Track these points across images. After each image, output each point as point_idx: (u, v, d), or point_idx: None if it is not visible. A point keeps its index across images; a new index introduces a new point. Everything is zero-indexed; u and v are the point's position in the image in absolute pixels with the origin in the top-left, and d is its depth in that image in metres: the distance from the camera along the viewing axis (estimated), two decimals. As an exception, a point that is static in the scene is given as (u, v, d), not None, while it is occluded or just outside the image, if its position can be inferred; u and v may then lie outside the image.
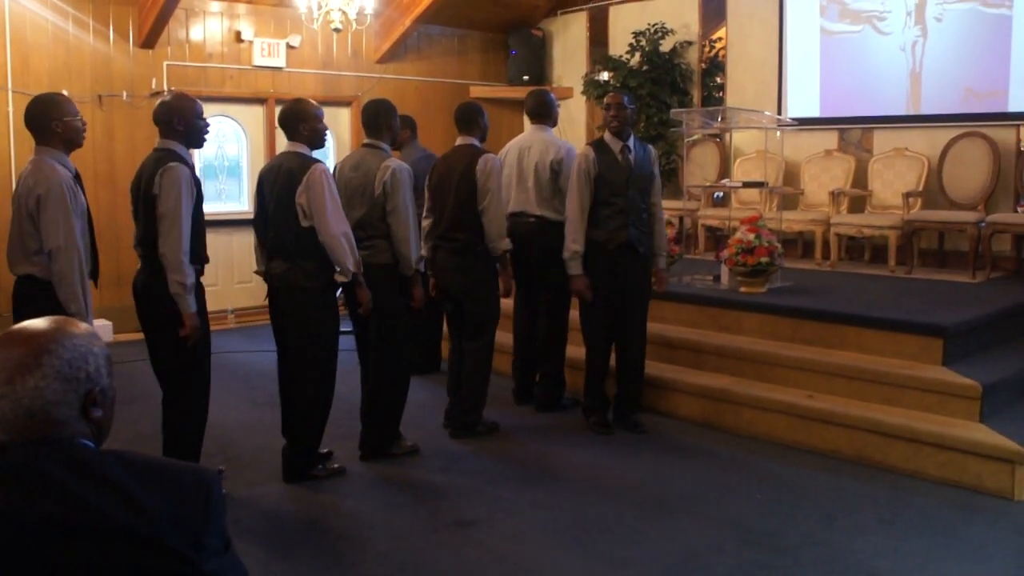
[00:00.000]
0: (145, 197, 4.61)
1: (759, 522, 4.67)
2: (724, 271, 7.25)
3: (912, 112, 9.01)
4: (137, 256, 4.82)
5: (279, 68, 10.27)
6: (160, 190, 4.53)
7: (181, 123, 4.69)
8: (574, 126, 11.89)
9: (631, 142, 5.95)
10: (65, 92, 6.03)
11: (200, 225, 4.72)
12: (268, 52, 10.16)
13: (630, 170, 5.88)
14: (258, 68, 10.13)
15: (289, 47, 10.32)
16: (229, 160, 10.27)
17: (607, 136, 5.96)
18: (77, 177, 4.46)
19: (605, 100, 6.05)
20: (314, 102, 5.20)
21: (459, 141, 6.08)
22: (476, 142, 6.03)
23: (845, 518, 4.71)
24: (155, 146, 4.76)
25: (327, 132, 5.20)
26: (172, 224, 4.52)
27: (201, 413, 4.89)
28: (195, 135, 4.77)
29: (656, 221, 6.07)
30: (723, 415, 6.22)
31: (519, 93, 11.66)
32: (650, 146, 6.17)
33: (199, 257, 4.73)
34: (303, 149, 5.08)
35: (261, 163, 10.27)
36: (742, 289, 7.03)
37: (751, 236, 6.89)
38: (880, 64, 9.18)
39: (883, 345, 6.02)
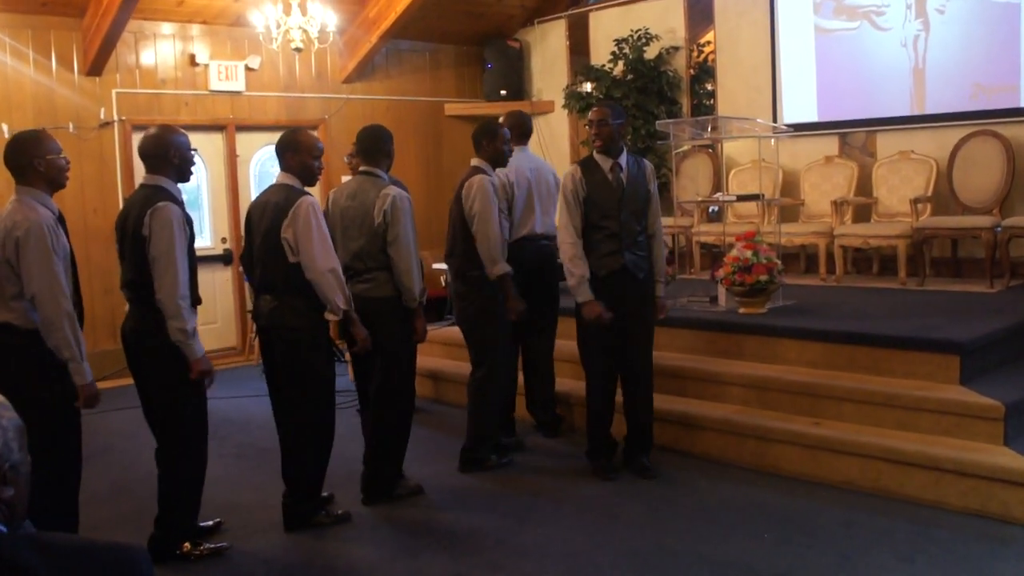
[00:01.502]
0: (134, 238, 4.58)
1: (767, 564, 4.55)
2: (721, 291, 7.16)
3: (917, 112, 8.96)
4: (124, 299, 4.82)
5: (238, 92, 10.19)
6: (151, 232, 4.51)
7: (176, 156, 4.69)
8: (556, 142, 11.81)
9: (623, 159, 5.77)
10: (3, 127, 5.89)
11: (192, 265, 4.71)
12: (226, 75, 10.09)
13: (622, 190, 5.71)
14: (216, 93, 10.05)
15: (248, 69, 10.24)
16: (188, 192, 10.08)
17: (596, 154, 5.80)
18: (60, 218, 4.42)
19: (589, 115, 5.87)
20: (314, 135, 5.23)
21: (471, 162, 6.15)
22: (483, 164, 6.06)
23: (860, 557, 4.59)
24: (141, 182, 4.75)
25: (320, 169, 5.22)
26: (167, 268, 4.50)
27: (200, 464, 4.89)
28: (187, 169, 4.78)
29: (655, 244, 5.92)
30: (724, 447, 6.11)
31: (497, 109, 11.63)
32: (646, 161, 6.00)
33: (192, 299, 4.73)
34: (293, 181, 5.09)
35: (222, 195, 10.22)
36: (741, 310, 6.95)
37: (748, 253, 6.81)
38: (880, 62, 9.12)
39: (895, 365, 5.93)
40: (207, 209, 10.26)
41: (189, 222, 4.68)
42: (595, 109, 5.81)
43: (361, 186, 5.51)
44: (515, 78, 12.05)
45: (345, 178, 7.91)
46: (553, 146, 11.66)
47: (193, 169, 4.84)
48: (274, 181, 5.19)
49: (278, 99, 10.54)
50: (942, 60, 8.75)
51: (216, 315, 10.05)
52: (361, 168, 5.62)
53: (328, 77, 10.97)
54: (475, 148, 6.09)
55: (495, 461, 6.18)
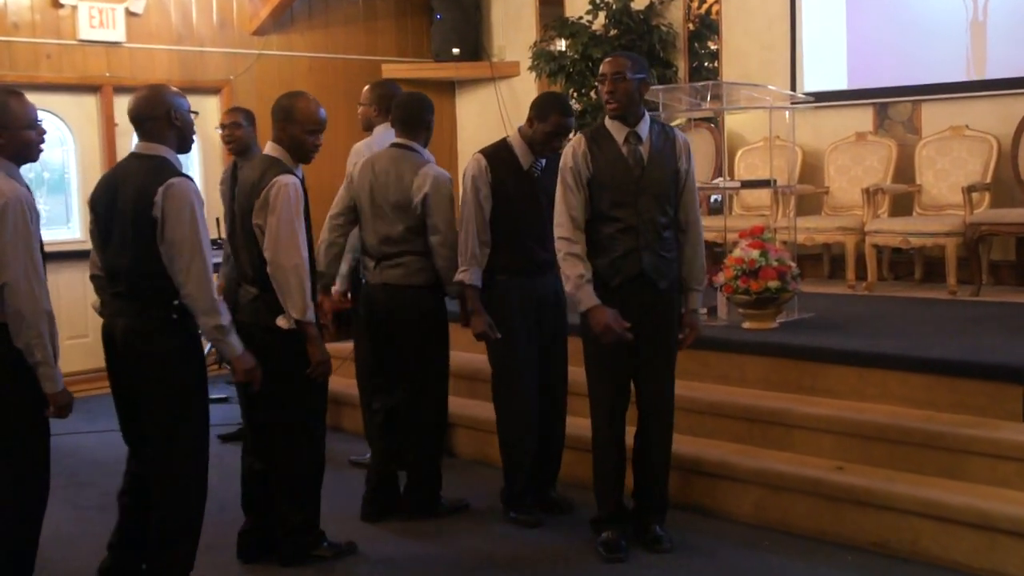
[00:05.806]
0: (136, 220, 4.67)
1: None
2: (721, 301, 7.19)
3: (974, 77, 9.03)
4: (107, 293, 4.94)
5: (117, 43, 10.07)
6: (165, 213, 4.62)
7: (179, 119, 4.82)
8: (521, 113, 11.52)
9: (643, 127, 5.47)
10: None
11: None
12: (100, 22, 9.95)
13: (641, 168, 5.42)
14: (87, 44, 9.90)
15: (130, 14, 10.10)
16: (51, 171, 9.91)
17: (608, 121, 5.53)
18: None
19: (601, 68, 5.58)
20: (317, 102, 5.36)
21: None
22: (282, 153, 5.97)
23: (893, 643, 4.53)
24: (135, 151, 4.88)
25: (316, 147, 5.41)
26: (194, 256, 4.65)
27: (205, 485, 5.03)
28: (190, 135, 4.94)
29: (688, 239, 5.63)
30: (720, 497, 6.06)
31: (448, 71, 11.78)
32: (677, 131, 5.70)
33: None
34: (280, 155, 5.31)
35: (95, 173, 9.92)
36: (745, 324, 6.97)
37: (754, 253, 6.81)
38: (929, 14, 9.19)
39: (939, 396, 5.88)
40: (76, 191, 10.06)
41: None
42: (609, 59, 5.50)
43: (395, 161, 5.84)
44: (471, 33, 12.04)
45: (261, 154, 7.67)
46: (517, 118, 11.44)
47: (194, 138, 5.01)
48: (266, 151, 5.41)
49: (169, 53, 10.40)
50: (1008, 11, 8.78)
51: (86, 328, 9.67)
52: (396, 140, 5.96)
53: (234, 27, 10.87)
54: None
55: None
